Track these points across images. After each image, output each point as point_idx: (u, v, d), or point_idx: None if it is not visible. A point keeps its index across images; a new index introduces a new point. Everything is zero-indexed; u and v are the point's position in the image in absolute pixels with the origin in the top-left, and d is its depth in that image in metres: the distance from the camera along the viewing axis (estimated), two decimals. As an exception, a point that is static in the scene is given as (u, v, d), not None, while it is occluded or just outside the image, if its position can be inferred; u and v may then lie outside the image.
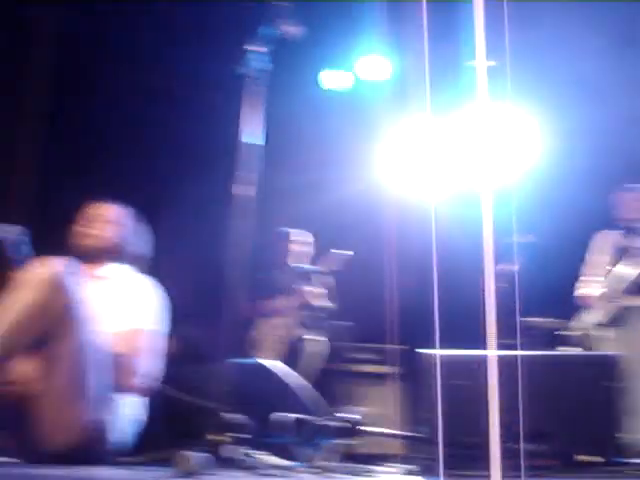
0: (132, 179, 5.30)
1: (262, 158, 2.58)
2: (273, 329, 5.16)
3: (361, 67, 6.05)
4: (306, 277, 5.16)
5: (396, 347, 5.53)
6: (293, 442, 2.47)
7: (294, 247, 5.23)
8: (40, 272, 2.37)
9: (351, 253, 5.17)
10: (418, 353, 2.96)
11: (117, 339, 2.59)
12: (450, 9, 4.29)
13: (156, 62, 5.39)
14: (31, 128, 5.38)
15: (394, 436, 2.73)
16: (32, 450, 2.42)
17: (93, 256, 2.84)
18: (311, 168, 5.65)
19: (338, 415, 2.44)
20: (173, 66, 5.39)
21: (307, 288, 5.10)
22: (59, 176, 5.05)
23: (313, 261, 5.35)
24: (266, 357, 4.98)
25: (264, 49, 2.66)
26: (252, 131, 2.54)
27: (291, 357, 4.69)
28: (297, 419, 2.63)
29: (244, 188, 2.47)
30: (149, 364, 2.70)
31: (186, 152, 5.76)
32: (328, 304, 5.20)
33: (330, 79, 6.11)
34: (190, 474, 1.92)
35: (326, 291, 5.24)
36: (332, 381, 5.25)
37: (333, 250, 5.16)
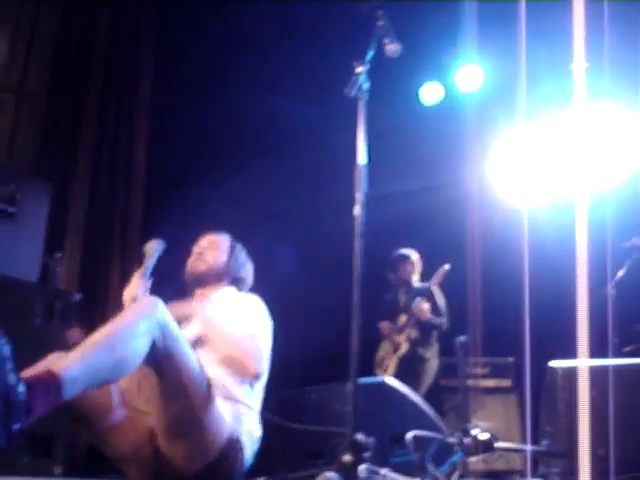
0: (249, 202, 5.50)
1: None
2: (393, 347, 5.31)
3: (457, 78, 6.03)
4: (425, 294, 5.35)
5: (511, 359, 5.49)
6: (423, 460, 2.45)
7: (413, 267, 5.54)
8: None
9: (448, 266, 5.34)
10: (545, 365, 2.92)
11: (232, 346, 2.71)
12: (547, 10, 4.25)
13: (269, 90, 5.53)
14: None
15: (521, 451, 2.64)
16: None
17: (205, 280, 3.07)
18: (410, 181, 5.67)
19: (468, 431, 2.40)
20: (284, 91, 5.52)
21: (425, 305, 5.27)
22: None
23: (422, 277, 5.52)
24: (387, 375, 5.12)
25: (368, 68, 2.68)
26: (363, 152, 2.57)
27: (411, 375, 4.87)
28: (427, 437, 2.62)
29: (359, 208, 2.49)
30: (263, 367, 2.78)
31: (297, 174, 5.91)
32: (444, 320, 5.31)
33: (428, 93, 6.12)
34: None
35: (442, 307, 5.34)
36: (450, 397, 5.25)
37: (445, 266, 5.34)
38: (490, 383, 5.48)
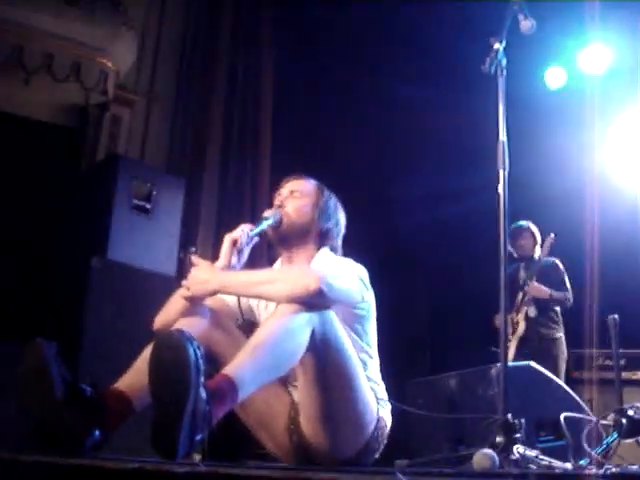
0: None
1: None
2: (512, 328, 5.09)
3: (582, 60, 5.86)
4: (547, 268, 5.08)
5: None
6: (576, 442, 2.37)
7: (534, 239, 5.27)
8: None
9: (553, 235, 5.05)
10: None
11: None
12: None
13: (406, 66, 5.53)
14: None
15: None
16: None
17: (288, 239, 2.62)
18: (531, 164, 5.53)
19: (624, 412, 2.32)
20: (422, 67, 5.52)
21: (538, 286, 5.05)
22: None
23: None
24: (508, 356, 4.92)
25: (504, 45, 2.63)
26: (504, 128, 2.52)
27: (540, 357, 4.45)
28: (580, 419, 2.55)
29: (503, 186, 2.44)
30: None
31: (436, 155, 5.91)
32: (568, 294, 5.07)
33: (552, 76, 5.98)
34: (489, 473, 1.90)
35: (564, 277, 5.11)
36: (582, 390, 5.06)
37: (551, 234, 5.05)
38: (626, 375, 5.23)
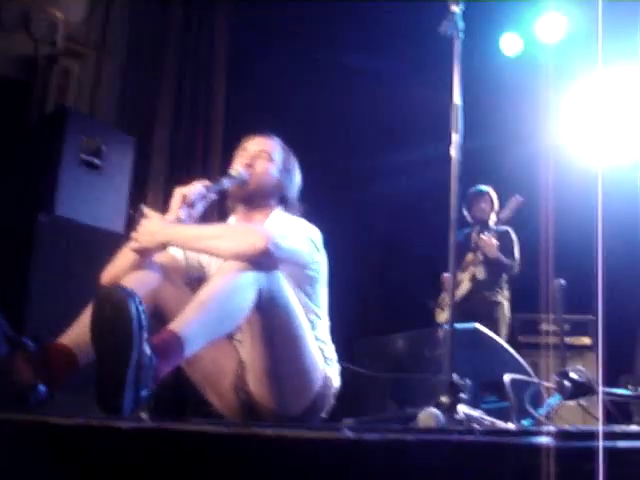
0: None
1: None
2: (462, 290, 5.15)
3: (538, 28, 5.88)
4: (500, 236, 5.12)
5: (591, 317, 5.33)
6: (520, 403, 2.43)
7: (491, 205, 5.30)
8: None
9: (520, 197, 5.08)
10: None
11: None
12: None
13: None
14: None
15: (625, 396, 2.59)
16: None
17: (252, 199, 2.64)
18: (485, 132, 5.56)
19: (567, 374, 2.37)
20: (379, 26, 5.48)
21: (493, 240, 5.05)
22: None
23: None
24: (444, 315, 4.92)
25: (462, 8, 2.62)
26: (458, 92, 2.52)
27: (482, 319, 4.47)
28: (524, 381, 2.60)
29: (455, 150, 2.45)
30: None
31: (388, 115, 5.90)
32: (515, 263, 5.13)
33: (507, 43, 6.00)
34: (433, 429, 1.93)
35: (516, 251, 5.16)
36: (530, 354, 5.15)
37: (517, 196, 5.10)
38: (570, 341, 5.35)
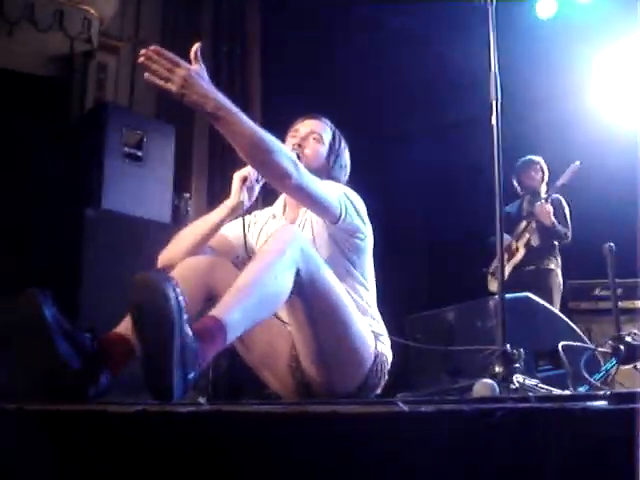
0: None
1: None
2: (509, 254, 5.08)
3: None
4: (552, 204, 5.03)
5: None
6: (576, 370, 2.40)
7: (542, 174, 5.23)
8: None
9: (579, 163, 4.96)
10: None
11: None
12: None
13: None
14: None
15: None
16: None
17: None
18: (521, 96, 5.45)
19: (622, 338, 2.34)
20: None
21: (549, 207, 4.97)
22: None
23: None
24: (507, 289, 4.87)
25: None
26: (495, 59, 2.49)
27: (537, 288, 4.37)
28: (578, 347, 2.57)
29: (496, 116, 2.42)
30: None
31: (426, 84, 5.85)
32: (569, 231, 5.06)
33: (542, 5, 5.88)
34: (487, 398, 1.93)
35: (566, 214, 5.09)
36: (581, 320, 5.08)
37: (577, 162, 4.96)
38: (623, 304, 5.25)
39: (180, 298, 1.82)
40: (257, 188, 2.53)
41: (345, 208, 2.47)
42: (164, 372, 1.78)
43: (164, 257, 2.50)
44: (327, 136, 2.69)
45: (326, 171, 2.65)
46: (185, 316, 1.82)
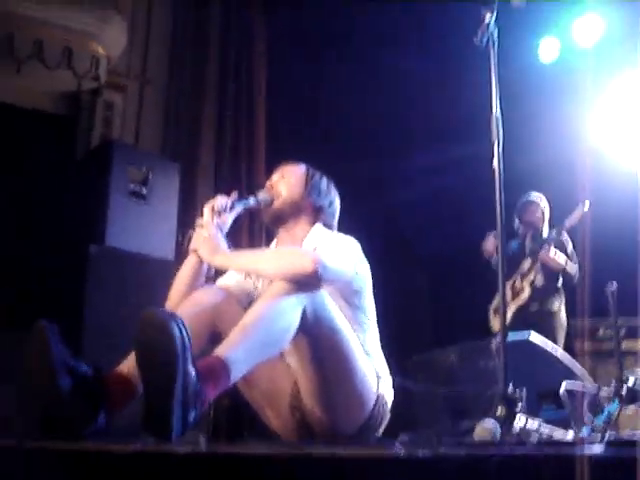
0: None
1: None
2: (512, 294, 5.05)
3: (575, 31, 5.81)
4: (555, 243, 5.01)
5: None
6: (577, 412, 2.39)
7: (543, 213, 5.21)
8: None
9: (588, 206, 4.92)
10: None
11: None
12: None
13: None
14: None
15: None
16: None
17: (282, 217, 2.69)
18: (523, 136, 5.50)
19: (625, 380, 2.32)
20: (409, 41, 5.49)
21: (554, 251, 4.94)
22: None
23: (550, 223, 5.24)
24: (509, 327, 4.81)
25: (495, 17, 2.61)
26: (496, 103, 2.51)
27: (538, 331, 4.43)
28: (581, 389, 2.56)
29: (497, 159, 2.43)
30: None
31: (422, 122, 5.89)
32: (573, 269, 5.01)
33: (545, 49, 5.94)
34: (486, 442, 1.92)
35: (574, 256, 5.05)
36: (584, 362, 5.05)
37: (586, 202, 4.93)
38: (628, 344, 5.21)
39: (185, 337, 1.83)
40: (229, 217, 2.60)
41: (356, 270, 2.51)
42: (164, 411, 1.77)
43: (171, 299, 2.52)
44: (299, 173, 2.76)
45: (305, 201, 2.71)
46: (189, 356, 1.82)
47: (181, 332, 1.83)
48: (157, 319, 1.85)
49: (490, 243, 4.98)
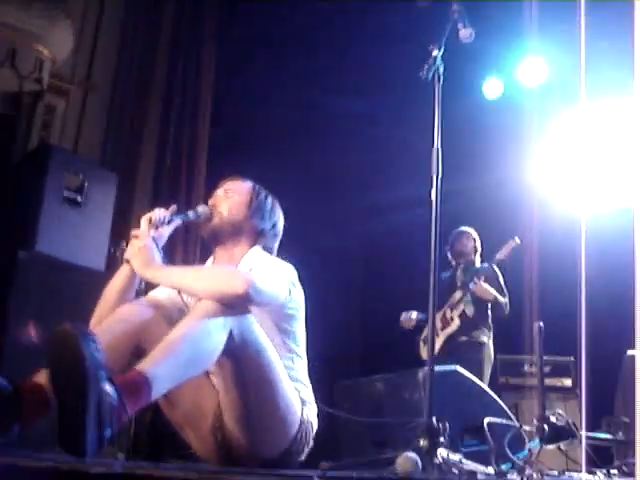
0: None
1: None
2: (442, 324, 5.10)
3: (520, 72, 5.96)
4: (486, 274, 5.08)
5: (572, 359, 5.29)
6: (499, 447, 2.41)
7: (474, 244, 5.29)
8: None
9: (518, 241, 5.02)
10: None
11: None
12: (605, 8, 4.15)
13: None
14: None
15: (607, 440, 2.58)
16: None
17: (221, 237, 2.66)
18: (466, 173, 5.59)
19: (547, 418, 2.36)
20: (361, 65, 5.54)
21: (484, 285, 5.01)
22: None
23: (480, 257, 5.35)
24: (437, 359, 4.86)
25: (442, 52, 2.66)
26: (438, 135, 2.54)
27: (466, 361, 4.34)
28: (503, 425, 2.58)
29: (435, 194, 2.46)
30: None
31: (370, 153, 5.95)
32: (507, 300, 5.09)
33: (489, 87, 6.08)
34: (408, 477, 1.92)
35: (504, 288, 5.14)
36: (510, 396, 5.12)
37: (516, 239, 5.03)
38: (551, 382, 5.31)
39: (98, 353, 1.79)
40: (166, 230, 2.55)
41: (289, 295, 2.50)
42: (77, 428, 1.73)
43: (96, 315, 2.45)
44: (243, 191, 2.73)
45: (247, 224, 2.67)
46: (103, 373, 1.78)
47: (91, 348, 1.78)
48: (68, 336, 1.80)
49: (405, 322, 5.11)
